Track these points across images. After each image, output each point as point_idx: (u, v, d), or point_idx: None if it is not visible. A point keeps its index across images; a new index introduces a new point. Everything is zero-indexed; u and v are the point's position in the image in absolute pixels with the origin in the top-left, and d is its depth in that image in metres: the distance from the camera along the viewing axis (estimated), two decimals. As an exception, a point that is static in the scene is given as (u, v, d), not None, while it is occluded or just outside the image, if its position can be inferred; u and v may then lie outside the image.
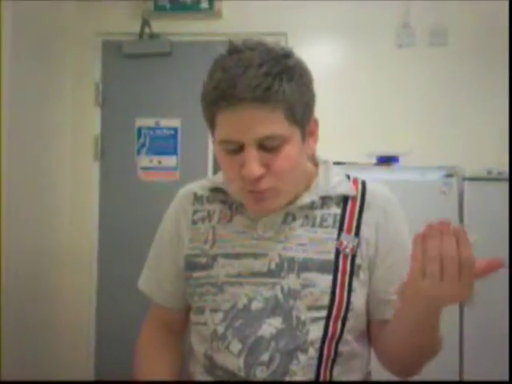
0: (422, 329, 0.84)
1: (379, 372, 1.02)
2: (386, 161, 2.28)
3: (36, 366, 2.28)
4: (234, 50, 0.85)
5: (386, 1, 2.56)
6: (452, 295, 0.74)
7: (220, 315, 0.94)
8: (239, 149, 0.85)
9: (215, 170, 2.63)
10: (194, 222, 1.01)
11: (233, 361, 0.92)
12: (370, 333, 0.99)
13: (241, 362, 0.91)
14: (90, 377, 2.62)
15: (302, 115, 0.87)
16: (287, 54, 0.86)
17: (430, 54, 2.57)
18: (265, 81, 0.81)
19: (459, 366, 2.01)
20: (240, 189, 0.90)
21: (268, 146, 0.84)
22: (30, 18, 2.19)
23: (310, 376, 0.91)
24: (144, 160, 2.70)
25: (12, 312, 2.05)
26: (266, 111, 0.82)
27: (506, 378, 1.76)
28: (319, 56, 2.58)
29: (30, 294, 2.24)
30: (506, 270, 1.87)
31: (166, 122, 2.70)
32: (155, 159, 2.71)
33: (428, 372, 0.96)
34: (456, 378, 2.00)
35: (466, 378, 2.00)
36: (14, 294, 2.07)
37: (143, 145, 2.71)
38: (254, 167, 0.84)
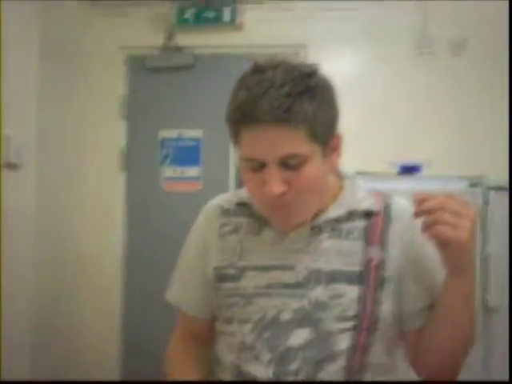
0: (469, 300, 0.90)
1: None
2: (409, 170, 2.26)
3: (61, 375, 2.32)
4: (257, 68, 0.87)
5: (406, 12, 2.56)
6: (467, 223, 0.81)
7: (249, 326, 0.96)
8: (262, 166, 0.87)
9: (237, 180, 2.65)
10: (222, 235, 1.03)
11: (262, 370, 0.93)
12: (405, 344, 1.00)
13: (270, 371, 0.92)
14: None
15: (323, 133, 0.88)
16: (310, 73, 0.87)
17: (452, 63, 2.55)
18: (286, 102, 0.81)
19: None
20: (263, 204, 0.92)
21: (290, 165, 0.86)
22: (56, 35, 2.25)
23: None
24: (167, 170, 2.74)
25: (38, 316, 2.09)
26: (287, 131, 0.83)
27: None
28: (339, 66, 2.59)
29: (55, 301, 2.28)
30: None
31: (188, 133, 2.73)
32: (178, 170, 2.74)
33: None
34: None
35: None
36: (40, 300, 2.11)
37: (166, 156, 2.75)
38: (275, 186, 0.85)
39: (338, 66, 2.58)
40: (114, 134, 2.74)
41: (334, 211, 0.96)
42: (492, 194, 2.02)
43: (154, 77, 2.73)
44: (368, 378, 0.94)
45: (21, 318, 1.97)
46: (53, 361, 2.23)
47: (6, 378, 1.78)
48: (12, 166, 1.91)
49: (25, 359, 1.97)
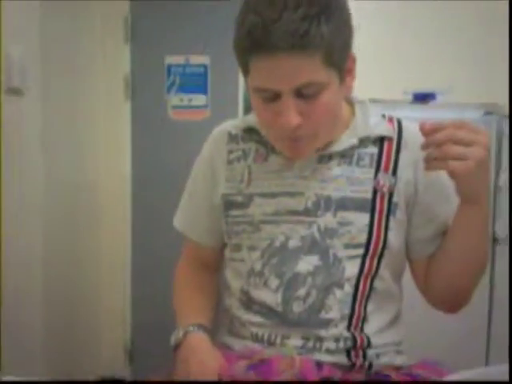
0: (481, 229, 0.89)
1: (408, 313, 1.05)
2: (423, 98, 2.20)
3: (74, 303, 2.43)
4: None
5: None
6: (479, 151, 0.78)
7: (257, 253, 0.96)
8: (275, 97, 0.82)
9: (246, 108, 2.60)
10: (230, 162, 1.01)
11: (270, 296, 0.94)
12: (415, 272, 1.01)
13: (278, 297, 0.94)
14: (127, 310, 2.75)
15: (340, 57, 0.83)
16: None
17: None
18: (302, 26, 0.76)
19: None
20: (276, 135, 0.89)
21: (305, 94, 0.82)
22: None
23: (345, 311, 0.93)
24: (174, 99, 2.69)
25: (51, 243, 2.14)
26: (304, 58, 0.78)
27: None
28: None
29: (67, 225, 2.34)
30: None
31: (195, 59, 2.65)
32: (185, 98, 2.69)
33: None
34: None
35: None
36: (51, 224, 2.15)
37: (173, 83, 2.69)
38: (292, 116, 0.82)
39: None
40: (119, 60, 2.65)
41: (346, 141, 0.93)
42: (507, 122, 1.97)
43: (158, -1, 2.62)
44: (374, 303, 0.95)
45: (33, 245, 2.02)
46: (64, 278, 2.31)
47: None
48: (16, 91, 1.87)
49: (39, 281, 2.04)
